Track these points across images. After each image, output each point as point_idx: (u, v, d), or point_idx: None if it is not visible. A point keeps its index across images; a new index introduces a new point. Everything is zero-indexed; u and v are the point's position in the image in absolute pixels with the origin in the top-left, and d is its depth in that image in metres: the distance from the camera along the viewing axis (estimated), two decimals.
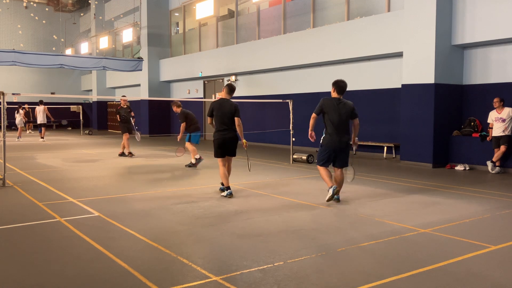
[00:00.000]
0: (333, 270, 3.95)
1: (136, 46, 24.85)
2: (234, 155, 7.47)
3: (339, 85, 6.80)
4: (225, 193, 7.20)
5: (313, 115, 6.83)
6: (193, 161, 10.84)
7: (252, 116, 18.06)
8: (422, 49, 11.26)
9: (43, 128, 20.41)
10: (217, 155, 7.35)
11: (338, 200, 6.83)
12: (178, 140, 11.08)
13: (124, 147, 13.38)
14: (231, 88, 7.49)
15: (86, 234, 5.01)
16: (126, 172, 10.44)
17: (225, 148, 7.33)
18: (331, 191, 6.59)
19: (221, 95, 7.62)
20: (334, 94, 6.84)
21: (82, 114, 27.64)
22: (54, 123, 31.45)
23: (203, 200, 6.95)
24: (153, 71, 23.94)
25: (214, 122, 7.41)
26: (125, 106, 13.56)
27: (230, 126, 7.27)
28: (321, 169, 6.87)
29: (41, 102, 20.51)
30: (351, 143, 6.89)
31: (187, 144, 10.95)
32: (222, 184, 7.40)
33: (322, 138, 6.88)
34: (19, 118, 21.82)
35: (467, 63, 11.52)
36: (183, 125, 10.89)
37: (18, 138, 20.68)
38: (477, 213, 6.19)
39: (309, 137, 6.91)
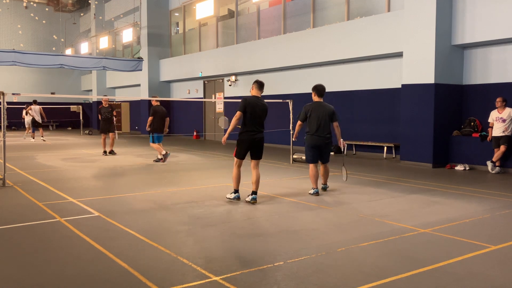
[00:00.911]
0: (333, 270, 3.95)
1: (136, 46, 24.85)
2: (260, 158, 6.93)
3: (318, 89, 7.53)
4: (232, 196, 6.94)
5: (299, 122, 7.51)
6: (160, 156, 11.76)
7: None
8: (422, 49, 11.26)
9: (40, 128, 20.37)
10: (239, 155, 6.80)
11: (325, 190, 7.66)
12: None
13: (112, 145, 13.82)
14: (260, 84, 6.98)
15: (86, 234, 5.01)
16: (126, 172, 10.44)
17: (250, 150, 6.83)
18: (312, 191, 7.37)
19: (252, 92, 7.05)
20: (316, 98, 7.54)
21: (82, 114, 27.63)
22: (55, 123, 31.45)
23: (203, 200, 6.95)
24: (153, 71, 23.93)
25: (242, 120, 6.79)
26: (106, 106, 13.69)
27: (260, 128, 6.88)
28: (311, 168, 7.48)
29: (35, 102, 20.11)
30: (335, 143, 7.61)
31: (151, 144, 11.81)
32: (254, 193, 6.78)
33: (305, 138, 7.52)
34: (28, 117, 21.65)
35: (467, 63, 11.52)
36: (150, 118, 11.68)
37: (28, 137, 20.60)
38: (477, 213, 6.19)
39: (293, 138, 7.77)
